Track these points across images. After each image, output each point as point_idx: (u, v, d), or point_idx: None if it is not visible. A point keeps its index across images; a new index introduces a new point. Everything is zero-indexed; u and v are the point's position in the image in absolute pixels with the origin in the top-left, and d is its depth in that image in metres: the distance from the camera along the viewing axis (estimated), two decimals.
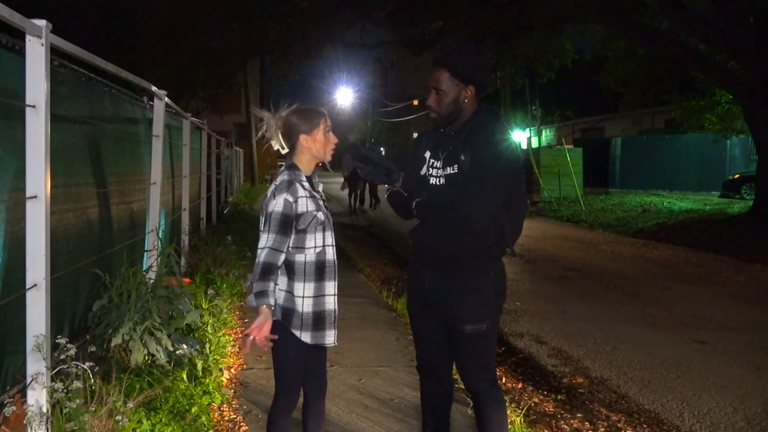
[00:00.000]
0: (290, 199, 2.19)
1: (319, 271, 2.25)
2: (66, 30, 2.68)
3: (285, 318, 2.24)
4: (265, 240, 2.16)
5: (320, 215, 2.24)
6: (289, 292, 2.24)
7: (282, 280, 2.25)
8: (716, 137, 18.17)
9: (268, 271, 2.13)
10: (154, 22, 13.03)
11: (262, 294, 2.10)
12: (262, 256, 2.15)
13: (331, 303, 2.27)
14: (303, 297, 2.23)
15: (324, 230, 2.26)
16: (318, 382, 2.43)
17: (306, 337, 2.24)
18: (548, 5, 12.99)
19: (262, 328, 2.04)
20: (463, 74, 2.31)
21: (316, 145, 2.29)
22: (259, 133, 2.37)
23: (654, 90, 17.66)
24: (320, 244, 2.25)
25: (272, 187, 2.26)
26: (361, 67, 40.15)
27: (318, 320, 2.24)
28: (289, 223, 2.19)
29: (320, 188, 2.42)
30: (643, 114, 27.73)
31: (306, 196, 2.23)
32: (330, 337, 2.27)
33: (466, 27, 14.25)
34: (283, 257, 2.18)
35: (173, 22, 13.06)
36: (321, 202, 2.29)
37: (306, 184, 2.27)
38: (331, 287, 2.27)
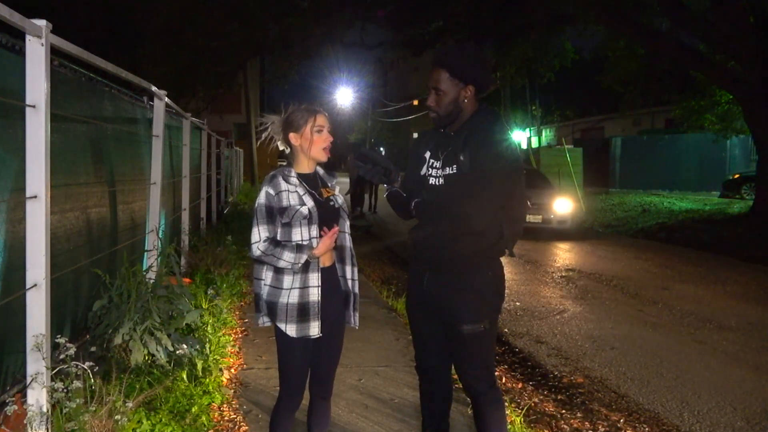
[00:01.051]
0: (272, 191, 2.26)
1: (305, 263, 2.26)
2: (66, 30, 2.68)
3: (270, 312, 2.28)
4: (257, 234, 2.24)
5: (303, 210, 2.25)
6: (275, 286, 2.27)
7: (267, 275, 2.29)
8: (716, 137, 18.18)
9: (277, 242, 2.23)
10: (154, 22, 13.03)
11: (299, 248, 2.22)
12: (261, 245, 2.23)
13: (315, 294, 2.28)
14: (290, 289, 2.25)
15: (309, 224, 2.27)
16: (324, 382, 2.44)
17: (291, 330, 2.25)
18: (548, 5, 12.98)
19: (330, 238, 2.24)
20: (463, 74, 2.31)
21: (303, 143, 2.32)
22: (264, 134, 2.41)
23: (654, 90, 17.65)
24: (306, 237, 2.26)
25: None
26: (361, 67, 40.12)
27: (302, 312, 2.26)
28: (273, 213, 2.25)
29: (337, 190, 2.43)
30: (643, 114, 27.75)
31: (288, 191, 2.26)
32: (314, 329, 2.27)
33: (466, 27, 14.24)
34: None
35: (173, 22, 13.06)
36: (308, 197, 2.28)
37: (293, 179, 2.30)
38: (315, 279, 2.28)
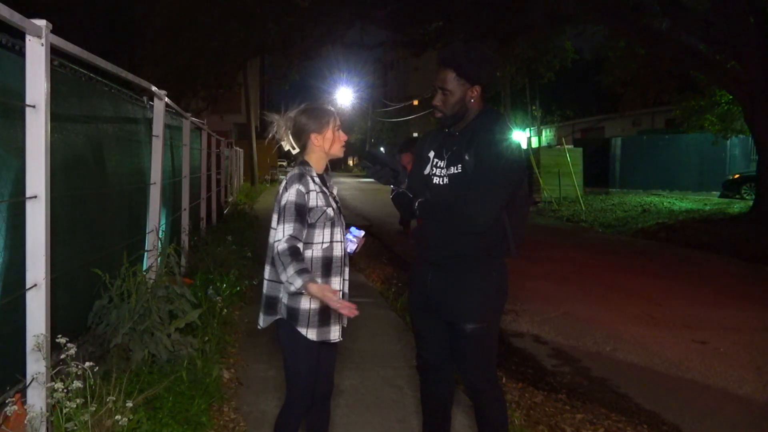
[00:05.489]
0: (302, 189, 2.20)
1: (326, 266, 2.25)
2: (66, 30, 2.67)
3: (291, 317, 2.25)
4: (281, 231, 2.14)
5: (330, 211, 2.25)
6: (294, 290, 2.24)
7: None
8: (716, 138, 18.18)
9: (295, 252, 2.10)
10: (154, 22, 13.02)
11: (302, 271, 2.04)
12: (282, 244, 2.10)
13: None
14: None
15: (333, 226, 2.27)
16: (326, 381, 2.44)
17: (312, 334, 2.24)
18: (548, 5, 12.98)
19: (337, 301, 1.99)
20: (470, 75, 2.32)
21: (326, 144, 2.31)
22: (269, 134, 2.39)
23: (654, 90, 17.64)
24: (328, 239, 2.25)
25: (284, 182, 2.29)
26: (361, 67, 40.21)
27: (323, 317, 2.25)
28: (303, 212, 2.18)
29: (335, 191, 2.43)
30: (643, 114, 27.77)
31: (316, 191, 2.24)
32: (335, 333, 2.28)
33: (466, 27, 14.24)
34: (302, 246, 2.17)
35: (173, 22, 13.05)
36: (331, 199, 2.31)
37: (317, 179, 2.29)
38: (337, 283, 2.28)
